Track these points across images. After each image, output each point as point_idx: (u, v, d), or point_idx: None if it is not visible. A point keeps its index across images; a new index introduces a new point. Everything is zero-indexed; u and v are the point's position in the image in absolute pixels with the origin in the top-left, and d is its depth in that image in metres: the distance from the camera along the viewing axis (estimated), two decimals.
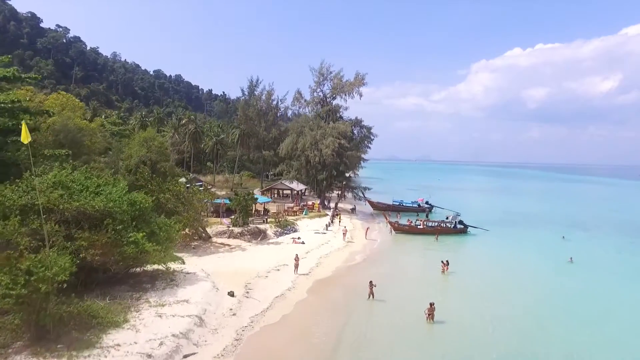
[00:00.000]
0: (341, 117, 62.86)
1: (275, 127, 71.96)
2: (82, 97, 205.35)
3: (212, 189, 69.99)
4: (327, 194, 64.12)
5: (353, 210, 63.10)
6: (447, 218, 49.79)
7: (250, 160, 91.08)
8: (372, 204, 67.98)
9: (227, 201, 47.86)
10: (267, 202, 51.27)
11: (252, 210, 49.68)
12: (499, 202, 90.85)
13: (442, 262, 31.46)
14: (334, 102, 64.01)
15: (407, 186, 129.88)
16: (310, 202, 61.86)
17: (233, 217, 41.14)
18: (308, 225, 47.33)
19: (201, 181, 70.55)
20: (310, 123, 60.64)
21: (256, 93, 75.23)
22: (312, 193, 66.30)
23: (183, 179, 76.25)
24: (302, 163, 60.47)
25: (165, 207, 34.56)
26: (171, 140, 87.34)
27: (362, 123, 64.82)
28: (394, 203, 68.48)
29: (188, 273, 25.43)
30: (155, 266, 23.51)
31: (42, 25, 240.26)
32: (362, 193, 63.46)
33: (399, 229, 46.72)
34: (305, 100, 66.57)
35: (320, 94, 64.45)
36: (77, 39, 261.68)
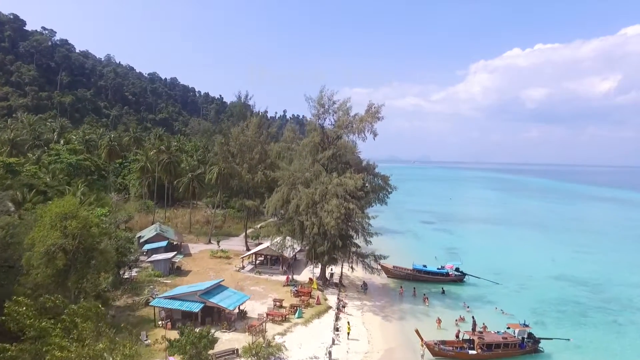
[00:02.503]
0: (348, 164, 46.29)
1: (261, 170, 55.59)
2: (66, 104, 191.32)
3: (182, 249, 54.65)
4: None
5: (364, 287, 47.42)
6: (508, 328, 34.38)
7: (232, 206, 74.76)
8: (386, 270, 52.52)
9: (191, 307, 32.46)
10: (244, 302, 35.21)
11: (223, 312, 34.19)
12: (538, 251, 74.87)
13: None
14: (339, 142, 47.35)
15: (419, 215, 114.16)
16: (306, 282, 46.05)
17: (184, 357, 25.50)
18: (302, 345, 31.71)
19: (167, 238, 54.83)
20: (306, 174, 44.38)
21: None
22: (309, 263, 50.40)
23: (151, 229, 59.37)
24: (294, 228, 44.61)
25: None
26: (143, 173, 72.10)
27: (376, 170, 48.61)
28: (415, 269, 53.11)
29: None
30: None
31: (26, 28, 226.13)
32: (377, 260, 47.65)
33: (440, 354, 31.10)
34: (299, 140, 50.43)
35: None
36: (64, 42, 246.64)
